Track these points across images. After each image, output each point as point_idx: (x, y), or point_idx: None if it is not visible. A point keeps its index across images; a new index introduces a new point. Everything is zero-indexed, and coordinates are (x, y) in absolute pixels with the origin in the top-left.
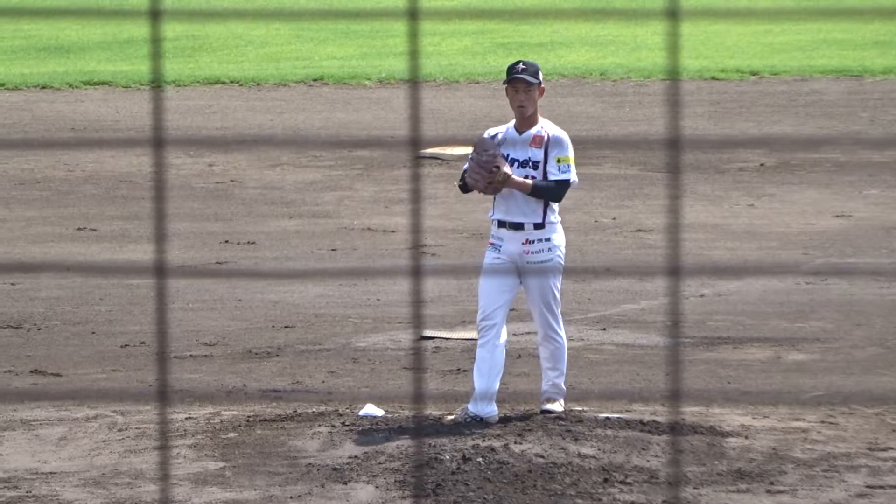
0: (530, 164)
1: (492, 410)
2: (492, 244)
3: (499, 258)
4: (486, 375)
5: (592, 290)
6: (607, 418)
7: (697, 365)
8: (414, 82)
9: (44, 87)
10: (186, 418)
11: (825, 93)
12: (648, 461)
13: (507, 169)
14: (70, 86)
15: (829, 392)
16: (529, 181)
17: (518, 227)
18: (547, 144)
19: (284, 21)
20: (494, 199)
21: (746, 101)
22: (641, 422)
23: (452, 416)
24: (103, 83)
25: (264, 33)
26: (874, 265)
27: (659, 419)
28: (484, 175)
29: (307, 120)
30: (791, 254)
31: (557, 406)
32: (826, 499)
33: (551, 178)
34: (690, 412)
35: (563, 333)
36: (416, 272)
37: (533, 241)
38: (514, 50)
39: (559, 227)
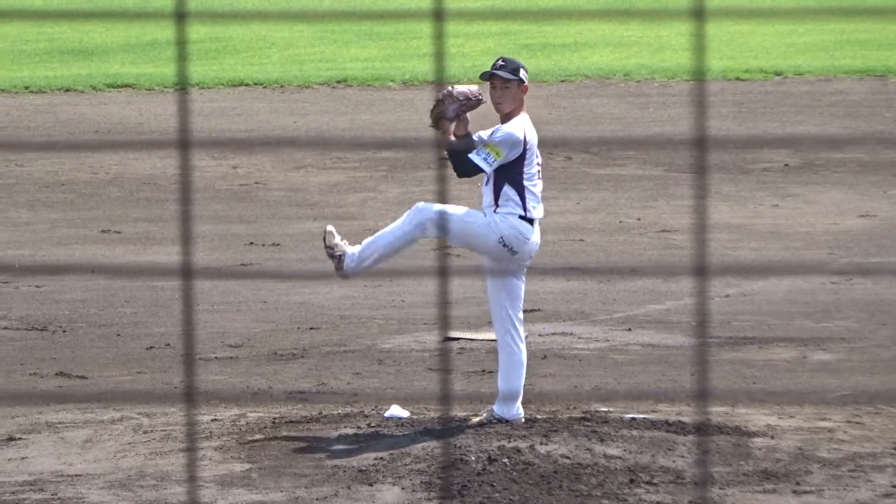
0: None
1: (517, 413)
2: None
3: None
4: (509, 377)
5: (617, 291)
6: (633, 419)
7: (723, 365)
8: (439, 83)
9: (68, 90)
10: (212, 420)
11: (849, 93)
12: (674, 462)
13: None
14: (94, 88)
15: (855, 392)
16: (452, 137)
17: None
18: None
19: (308, 23)
20: None
21: (770, 101)
22: (667, 422)
23: (478, 418)
24: (127, 86)
25: (288, 35)
26: None
27: (685, 419)
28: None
29: (331, 122)
30: (816, 254)
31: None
32: (852, 499)
33: (475, 151)
34: (716, 412)
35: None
36: (442, 273)
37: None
38: (538, 51)
39: (512, 219)
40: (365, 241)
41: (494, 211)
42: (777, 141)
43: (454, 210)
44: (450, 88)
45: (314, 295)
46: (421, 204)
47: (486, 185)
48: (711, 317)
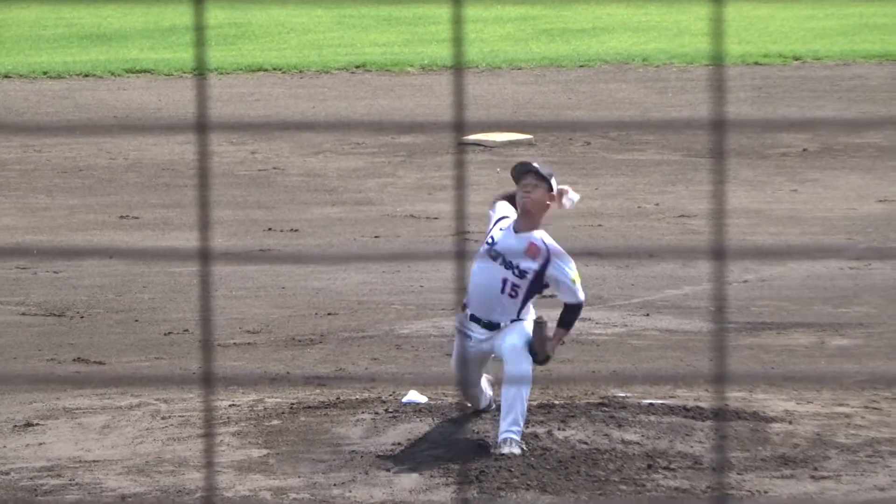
0: (516, 270)
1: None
2: (461, 332)
3: (472, 346)
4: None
5: (636, 276)
6: (651, 404)
7: (741, 350)
8: (458, 68)
9: (86, 76)
10: (230, 406)
11: (868, 77)
12: (692, 447)
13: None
14: (112, 74)
15: (874, 376)
16: (563, 331)
17: (493, 326)
18: (547, 260)
19: (327, 7)
20: (474, 268)
21: (789, 86)
22: (685, 408)
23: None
24: (145, 71)
25: (306, 20)
26: None
27: (702, 405)
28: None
29: (349, 107)
30: (834, 239)
31: (516, 448)
32: (870, 484)
33: (568, 299)
34: (734, 398)
35: (530, 372)
36: (460, 258)
37: (506, 325)
38: (557, 36)
39: (532, 314)
40: (515, 420)
41: (517, 315)
42: (796, 124)
43: (522, 340)
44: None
45: (332, 281)
46: (516, 346)
47: (504, 293)
48: (729, 302)
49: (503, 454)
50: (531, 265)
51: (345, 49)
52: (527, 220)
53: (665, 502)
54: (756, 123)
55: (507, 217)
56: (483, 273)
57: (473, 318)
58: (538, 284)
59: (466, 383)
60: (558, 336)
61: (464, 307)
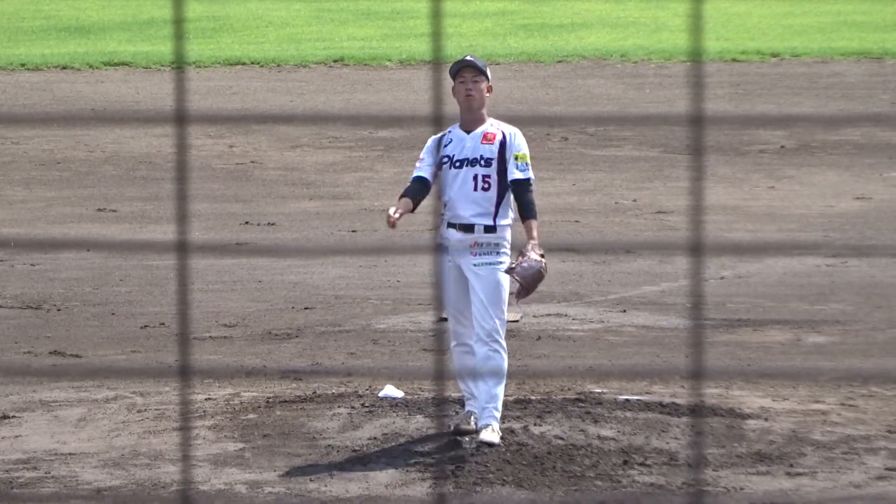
0: (482, 161)
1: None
2: (440, 245)
3: (450, 261)
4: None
5: (612, 272)
6: (627, 400)
7: (717, 347)
8: (436, 63)
9: (64, 68)
10: (206, 399)
11: (846, 75)
12: (668, 443)
13: (537, 251)
14: (90, 66)
15: (849, 373)
16: (532, 221)
17: (468, 229)
18: (503, 142)
19: (305, 1)
20: (444, 192)
21: (767, 82)
22: (661, 404)
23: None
24: (124, 64)
25: (285, 14)
26: (894, 247)
27: (678, 401)
28: (542, 272)
29: (327, 101)
30: (811, 236)
31: (494, 436)
32: (846, 481)
33: (511, 176)
34: (710, 394)
35: (504, 345)
36: (438, 253)
37: (482, 244)
38: (535, 31)
39: (509, 230)
40: (494, 408)
41: (494, 220)
42: (774, 121)
43: (502, 296)
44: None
45: (309, 275)
46: (494, 332)
47: (477, 190)
48: (706, 298)
49: (484, 442)
50: (492, 149)
51: (323, 43)
52: (472, 116)
53: (641, 498)
54: (734, 120)
55: (445, 134)
56: (454, 184)
57: (451, 225)
58: (503, 169)
59: (458, 314)
60: (533, 229)
61: (443, 221)
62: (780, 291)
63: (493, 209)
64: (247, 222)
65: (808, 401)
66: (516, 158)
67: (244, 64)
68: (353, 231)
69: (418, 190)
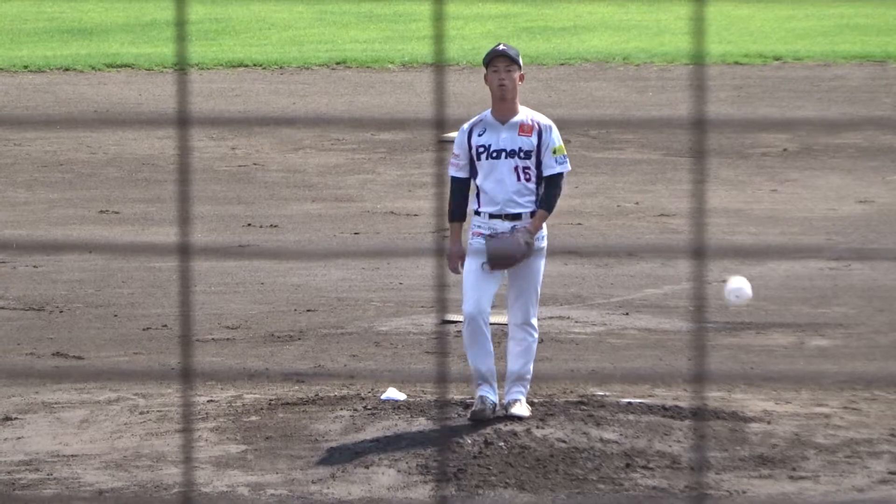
0: (521, 153)
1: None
2: (479, 234)
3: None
4: (484, 360)
5: (615, 275)
6: (629, 403)
7: (720, 350)
8: (438, 65)
9: (67, 70)
10: (208, 401)
11: (848, 78)
12: (671, 446)
13: (526, 238)
14: (93, 68)
15: (852, 377)
16: (544, 212)
17: (515, 217)
18: (540, 132)
19: (308, 3)
20: (478, 190)
21: (769, 86)
22: (664, 407)
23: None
24: (126, 66)
25: (287, 16)
26: None
27: (681, 404)
28: (517, 257)
29: (330, 103)
30: (814, 239)
31: (524, 409)
32: (848, 485)
33: (548, 171)
34: (713, 398)
35: (537, 327)
36: (440, 255)
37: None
38: (538, 34)
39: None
40: (523, 385)
41: (536, 206)
42: (776, 124)
43: (539, 281)
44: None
45: (311, 277)
46: (531, 317)
47: (521, 181)
48: (709, 301)
49: (514, 415)
50: (531, 142)
51: (325, 45)
52: (505, 105)
53: (643, 501)
54: (736, 123)
55: (475, 124)
56: (492, 174)
57: (494, 216)
58: (540, 161)
59: (480, 296)
60: (539, 219)
61: (476, 213)
62: (783, 294)
63: (535, 196)
64: (249, 224)
65: (811, 404)
66: (554, 152)
67: (246, 66)
68: (355, 233)
69: (462, 202)
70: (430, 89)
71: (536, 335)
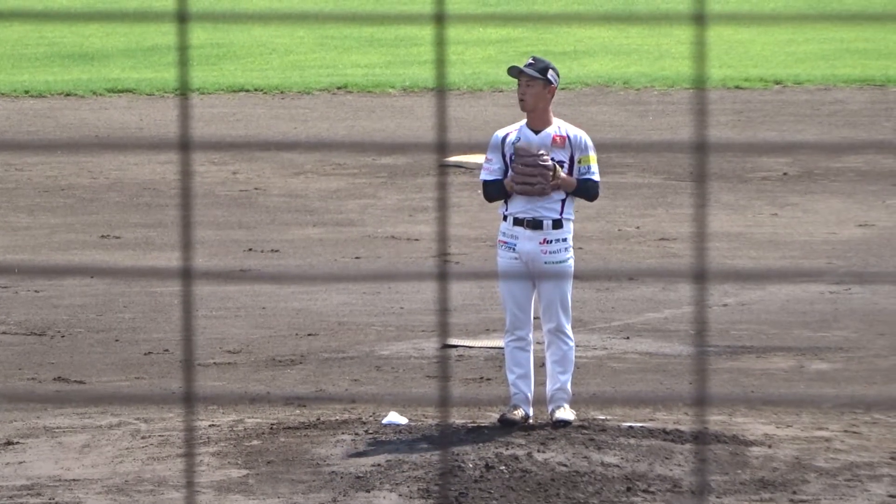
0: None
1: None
2: (504, 243)
3: (515, 258)
4: (525, 379)
5: (616, 299)
6: (630, 427)
7: (721, 374)
8: (440, 90)
9: (68, 95)
10: (210, 426)
11: (848, 102)
12: (671, 470)
13: (548, 160)
14: (94, 93)
15: (853, 401)
16: (575, 182)
17: (537, 224)
18: (572, 145)
19: (309, 28)
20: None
21: (770, 110)
22: (664, 431)
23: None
24: (127, 91)
25: (288, 41)
26: None
27: (682, 428)
28: (545, 176)
29: (331, 128)
30: (814, 263)
31: (569, 413)
32: None
33: (580, 177)
34: (713, 421)
35: (572, 335)
36: (441, 279)
37: (550, 241)
38: None
39: (572, 224)
40: (564, 392)
41: (560, 214)
42: (777, 148)
43: (568, 282)
44: (528, 161)
45: (313, 301)
46: (563, 325)
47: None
48: (710, 325)
49: (560, 420)
50: (563, 152)
51: (326, 70)
52: (533, 116)
53: None
54: (737, 147)
55: (510, 132)
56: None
57: (517, 222)
58: (572, 171)
59: (519, 312)
60: (566, 180)
61: (504, 218)
62: (784, 318)
63: (560, 205)
64: (250, 249)
65: (812, 428)
66: (579, 162)
67: (248, 91)
68: (356, 258)
69: (498, 196)
70: (432, 114)
71: (572, 343)
